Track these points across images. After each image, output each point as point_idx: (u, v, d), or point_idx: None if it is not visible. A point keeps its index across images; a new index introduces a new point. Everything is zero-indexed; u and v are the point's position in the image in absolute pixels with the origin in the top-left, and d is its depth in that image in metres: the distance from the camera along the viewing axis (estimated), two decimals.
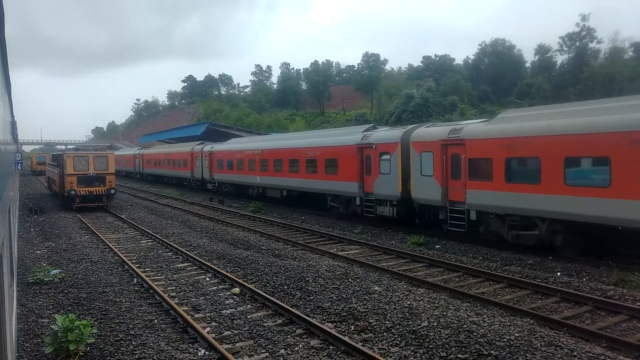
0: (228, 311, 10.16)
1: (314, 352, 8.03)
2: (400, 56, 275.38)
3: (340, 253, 15.37)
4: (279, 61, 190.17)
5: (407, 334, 8.41)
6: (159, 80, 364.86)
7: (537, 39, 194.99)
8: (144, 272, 13.47)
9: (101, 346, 8.21)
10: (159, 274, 13.41)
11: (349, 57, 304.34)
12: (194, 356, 7.84)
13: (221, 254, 15.46)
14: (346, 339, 8.23)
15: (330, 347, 8.15)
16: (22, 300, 10.92)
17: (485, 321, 8.59)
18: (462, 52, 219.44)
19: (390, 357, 7.72)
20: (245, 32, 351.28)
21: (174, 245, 16.83)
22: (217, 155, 35.77)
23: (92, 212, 26.58)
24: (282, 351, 8.03)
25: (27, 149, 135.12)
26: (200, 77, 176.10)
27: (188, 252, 15.65)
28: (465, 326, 8.31)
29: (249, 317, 9.76)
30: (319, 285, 11.30)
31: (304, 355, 7.85)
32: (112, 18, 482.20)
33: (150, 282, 11.97)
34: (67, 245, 17.31)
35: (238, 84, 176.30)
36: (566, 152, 12.75)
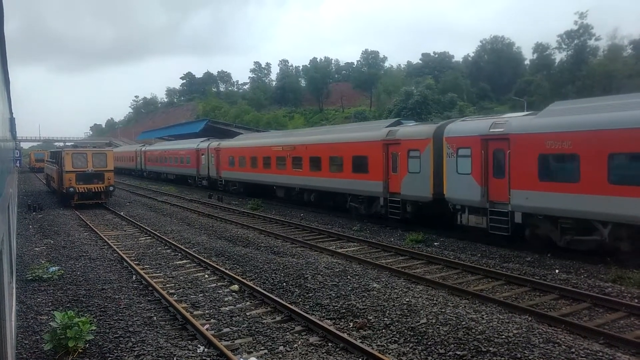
0: (227, 308, 10.17)
1: (312, 348, 8.04)
2: (403, 54, 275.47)
3: (339, 250, 15.39)
4: (284, 58, 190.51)
5: (405, 330, 8.43)
6: (162, 77, 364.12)
7: (537, 36, 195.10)
8: (143, 269, 13.48)
9: (100, 343, 8.22)
10: (158, 271, 13.41)
11: (351, 54, 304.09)
12: (193, 353, 7.84)
13: (220, 251, 15.46)
14: (345, 335, 8.24)
15: (329, 344, 8.16)
16: (20, 297, 10.91)
17: (483, 318, 8.61)
18: (464, 49, 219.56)
19: (389, 353, 7.74)
20: (254, 29, 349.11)
21: (173, 243, 16.83)
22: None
23: (90, 209, 26.55)
24: (281, 348, 8.04)
25: (25, 145, 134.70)
26: (200, 74, 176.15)
27: (187, 249, 15.66)
28: (463, 323, 8.33)
29: (248, 314, 9.77)
30: (318, 283, 11.31)
31: (302, 352, 7.86)
32: (119, 14, 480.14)
33: (149, 279, 11.98)
34: (66, 243, 17.30)
35: (237, 81, 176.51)
36: None
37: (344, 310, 9.61)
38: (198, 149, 39.64)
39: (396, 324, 8.72)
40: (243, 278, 12.26)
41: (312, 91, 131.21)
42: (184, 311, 9.57)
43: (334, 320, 9.30)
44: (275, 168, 27.43)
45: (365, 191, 20.65)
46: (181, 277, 12.70)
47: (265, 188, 29.95)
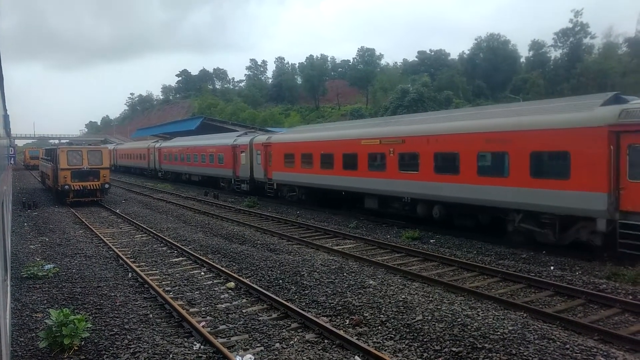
0: (223, 305, 10.16)
1: (309, 345, 8.05)
2: (400, 51, 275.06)
3: (336, 247, 15.40)
4: (282, 55, 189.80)
5: (401, 327, 8.46)
6: (159, 75, 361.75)
7: (533, 34, 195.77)
8: (139, 266, 13.45)
9: (96, 340, 8.20)
10: (154, 269, 13.38)
11: (348, 52, 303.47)
12: (189, 350, 7.84)
13: (216, 248, 15.44)
14: (341, 332, 8.26)
15: (325, 341, 8.17)
16: (16, 295, 10.87)
17: (479, 315, 8.65)
18: (460, 47, 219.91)
19: (385, 350, 7.76)
20: (254, 26, 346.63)
21: (169, 240, 16.79)
22: None
23: (86, 207, 26.46)
24: (277, 345, 8.04)
25: (19, 143, 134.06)
26: (196, 71, 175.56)
27: (183, 247, 15.63)
28: (459, 320, 8.36)
29: (244, 311, 9.76)
30: (314, 280, 11.32)
31: (299, 349, 7.87)
32: (117, 11, 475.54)
33: (145, 277, 11.95)
34: (61, 240, 17.23)
35: (233, 78, 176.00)
36: None
37: (340, 307, 9.63)
38: (235, 145, 32.28)
39: (392, 320, 8.74)
40: (239, 275, 12.25)
41: (308, 88, 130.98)
42: (180, 308, 9.56)
43: (330, 317, 9.32)
44: (366, 169, 20.47)
45: (560, 207, 13.38)
46: (177, 275, 12.68)
47: (339, 195, 23.13)
